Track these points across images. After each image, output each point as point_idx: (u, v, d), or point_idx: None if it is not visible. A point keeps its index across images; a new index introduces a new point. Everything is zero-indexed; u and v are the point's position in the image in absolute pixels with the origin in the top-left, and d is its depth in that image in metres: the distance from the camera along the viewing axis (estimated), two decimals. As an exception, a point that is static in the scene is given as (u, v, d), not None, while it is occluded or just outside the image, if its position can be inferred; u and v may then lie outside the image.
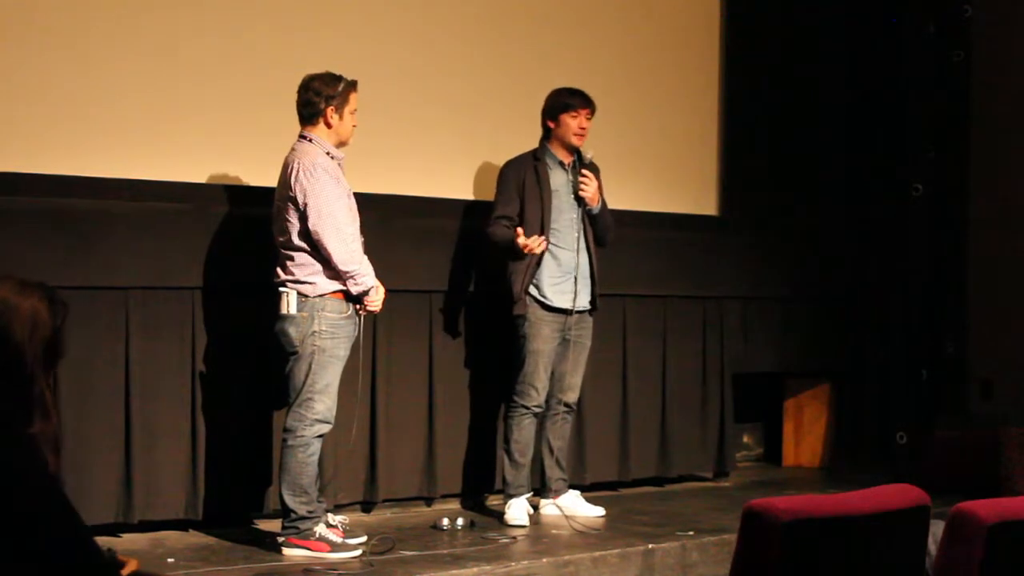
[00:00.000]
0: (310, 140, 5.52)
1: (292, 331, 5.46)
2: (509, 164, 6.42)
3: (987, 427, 7.68)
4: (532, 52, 7.08)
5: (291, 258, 5.48)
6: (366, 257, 5.54)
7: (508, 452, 6.37)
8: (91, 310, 5.62)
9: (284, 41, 6.16)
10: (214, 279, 5.93)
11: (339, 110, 5.53)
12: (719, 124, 8.08)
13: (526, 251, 6.17)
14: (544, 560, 5.55)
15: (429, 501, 6.68)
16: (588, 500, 6.60)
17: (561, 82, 6.47)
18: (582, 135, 6.33)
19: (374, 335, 6.26)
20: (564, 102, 6.34)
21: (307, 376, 5.45)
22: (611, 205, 6.52)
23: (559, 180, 6.37)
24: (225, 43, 6.03)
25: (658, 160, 7.69)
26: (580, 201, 6.33)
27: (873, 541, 3.32)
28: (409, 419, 6.56)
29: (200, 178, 5.98)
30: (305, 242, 5.45)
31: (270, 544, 5.61)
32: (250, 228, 5.85)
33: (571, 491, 6.57)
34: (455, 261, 6.71)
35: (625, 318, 7.39)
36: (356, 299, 5.53)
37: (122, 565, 2.40)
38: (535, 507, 6.48)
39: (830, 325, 8.51)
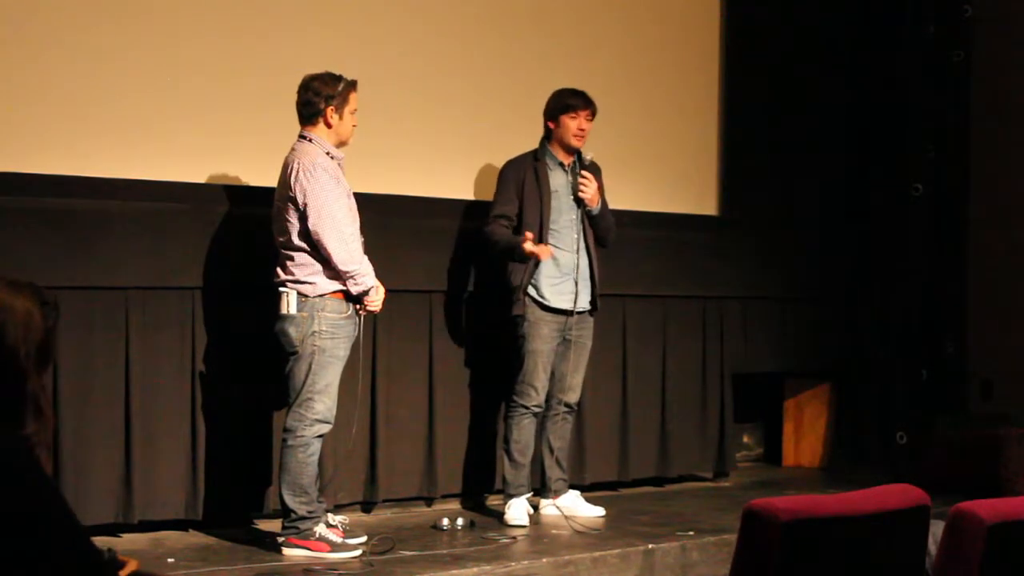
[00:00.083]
0: (310, 140, 5.52)
1: (292, 331, 5.46)
2: (509, 164, 6.42)
3: (987, 427, 7.68)
4: (532, 52, 7.08)
5: (291, 258, 5.48)
6: (366, 257, 5.54)
7: (508, 452, 6.37)
8: (91, 310, 5.62)
9: (284, 41, 6.16)
10: (214, 279, 5.93)
11: (339, 110, 5.53)
12: (719, 124, 8.08)
13: (530, 255, 6.16)
14: (544, 560, 5.55)
15: (429, 501, 6.68)
16: (588, 500, 6.60)
17: (561, 82, 6.47)
18: (581, 136, 6.33)
19: (374, 335, 6.26)
20: (564, 103, 6.33)
21: (307, 376, 5.45)
22: (611, 205, 6.52)
23: (559, 181, 6.37)
24: (225, 43, 6.03)
25: (658, 160, 7.69)
26: (579, 202, 6.33)
27: (873, 541, 3.32)
28: (409, 419, 6.57)
29: (200, 178, 5.98)
30: (305, 242, 5.45)
31: (270, 544, 5.61)
32: (250, 228, 5.85)
33: (571, 491, 6.57)
34: (455, 261, 6.71)
35: (625, 318, 7.39)
36: (356, 299, 5.53)
37: (122, 565, 2.40)
38: (535, 507, 6.48)
39: (830, 325, 8.51)
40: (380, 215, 6.19)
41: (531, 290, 6.29)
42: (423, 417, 6.61)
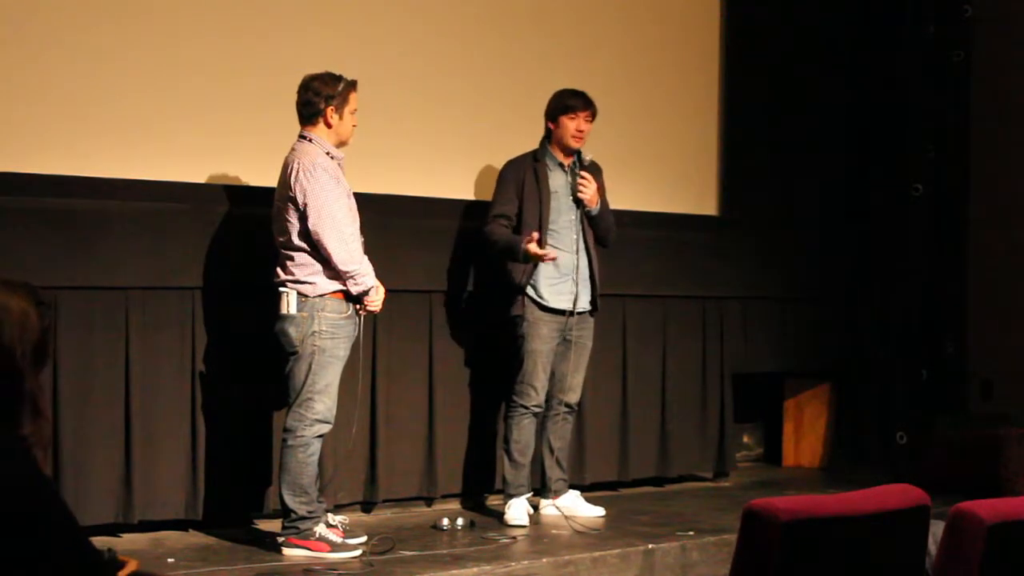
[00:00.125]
0: (310, 140, 5.52)
1: (292, 331, 5.46)
2: (509, 164, 6.42)
3: (987, 427, 7.68)
4: (532, 52, 7.08)
5: (291, 258, 5.48)
6: (366, 257, 5.54)
7: (508, 452, 6.37)
8: (91, 310, 5.62)
9: (284, 41, 6.16)
10: (214, 279, 5.93)
11: (339, 110, 5.53)
12: (719, 124, 8.08)
13: (533, 257, 6.15)
14: (544, 560, 5.55)
15: (429, 501, 6.68)
16: (588, 500, 6.60)
17: (561, 82, 6.47)
18: (579, 137, 6.33)
19: (374, 335, 6.26)
20: (564, 103, 6.33)
21: (307, 376, 5.45)
22: (611, 205, 6.52)
23: (558, 181, 6.36)
24: (225, 43, 6.03)
25: (658, 160, 7.69)
26: (579, 203, 6.33)
27: (873, 541, 3.32)
28: (409, 419, 6.57)
29: (200, 178, 5.98)
30: (305, 242, 5.45)
31: (270, 544, 5.61)
32: (250, 228, 5.85)
33: (571, 491, 6.57)
34: (455, 261, 6.71)
35: (625, 318, 7.39)
36: (356, 299, 5.53)
37: (122, 565, 2.40)
38: (535, 507, 6.48)
39: (830, 325, 8.51)
40: (380, 215, 6.19)
41: (529, 290, 6.30)
42: (423, 417, 6.61)
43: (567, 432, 6.57)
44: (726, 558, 3.76)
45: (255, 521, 6.06)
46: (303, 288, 5.46)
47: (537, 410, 6.37)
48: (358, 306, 5.55)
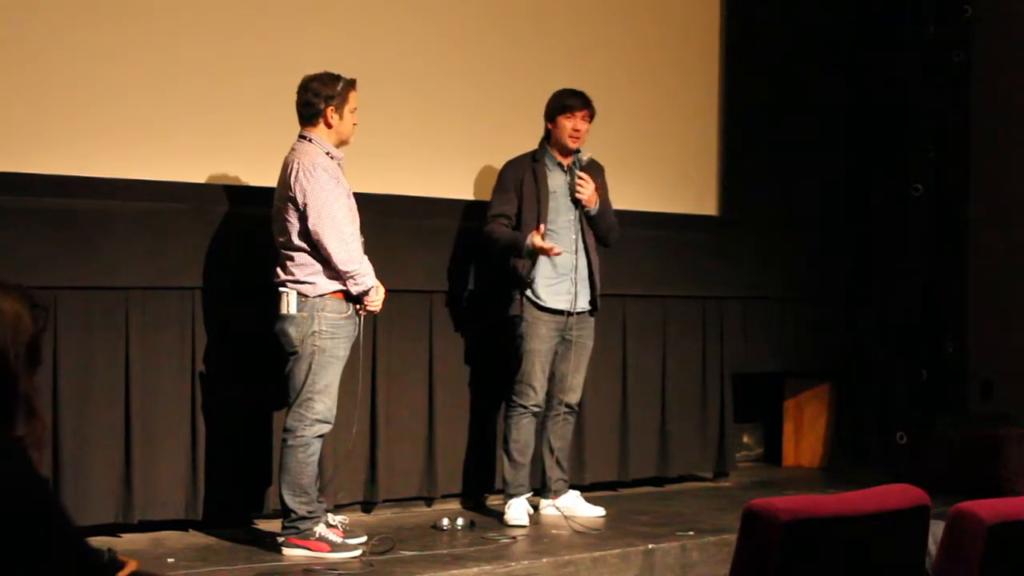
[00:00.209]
0: (310, 140, 5.52)
1: (292, 331, 5.46)
2: (508, 164, 6.43)
3: (987, 427, 7.68)
4: (532, 52, 7.09)
5: (291, 258, 5.48)
6: (366, 257, 5.54)
7: (507, 452, 6.37)
8: (91, 310, 5.62)
9: (284, 41, 6.16)
10: (214, 279, 5.93)
11: (339, 109, 5.53)
12: (719, 124, 8.08)
13: (538, 250, 6.15)
14: (544, 560, 5.55)
15: (429, 501, 6.68)
16: (588, 500, 6.60)
17: (561, 82, 6.47)
18: (576, 137, 6.32)
19: (374, 335, 6.26)
20: (561, 103, 6.34)
21: (307, 376, 5.45)
22: (612, 205, 6.52)
23: (557, 181, 6.36)
24: (225, 43, 6.03)
25: (658, 160, 7.69)
26: (577, 203, 6.33)
27: (873, 541, 3.32)
28: (409, 419, 6.57)
29: (200, 178, 5.98)
30: (305, 242, 5.45)
31: (270, 544, 5.61)
32: (250, 228, 5.85)
33: (571, 491, 6.57)
34: (455, 261, 6.71)
35: (625, 318, 7.39)
36: (356, 299, 5.53)
37: (122, 566, 2.39)
38: (535, 507, 6.48)
39: (830, 325, 8.51)
40: (380, 215, 6.19)
41: (527, 290, 6.30)
42: (423, 417, 6.61)
43: (567, 432, 6.57)
44: (726, 558, 3.76)
45: (255, 521, 6.06)
46: (303, 288, 5.46)
47: (536, 410, 6.37)
48: (358, 306, 5.55)
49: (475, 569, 5.33)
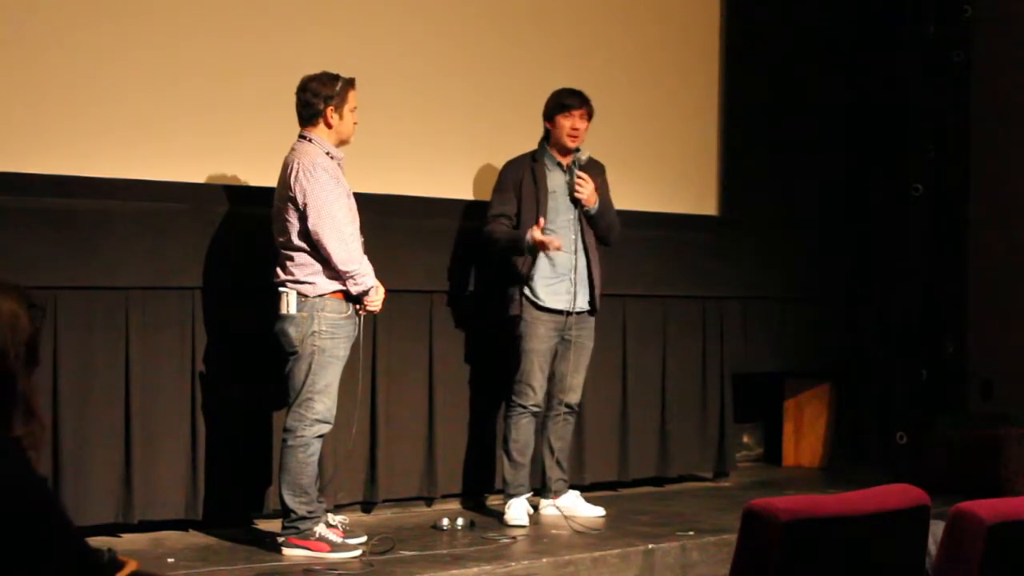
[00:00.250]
0: (310, 140, 5.53)
1: (292, 331, 5.46)
2: (508, 164, 6.43)
3: (987, 427, 7.68)
4: (532, 52, 7.08)
5: (291, 258, 5.48)
6: (366, 257, 5.54)
7: (507, 452, 6.37)
8: (91, 310, 5.62)
9: (284, 41, 6.16)
10: (214, 279, 5.93)
11: (338, 109, 5.53)
12: (719, 124, 8.08)
13: (538, 245, 6.14)
14: (544, 560, 5.55)
15: (429, 501, 6.68)
16: (588, 500, 6.60)
17: (561, 82, 6.47)
18: (575, 136, 6.32)
19: (374, 335, 6.26)
20: (559, 102, 6.34)
21: (307, 376, 5.45)
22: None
23: (556, 181, 6.37)
24: (225, 43, 6.03)
25: (658, 160, 7.69)
26: (576, 202, 6.33)
27: (873, 541, 3.32)
28: (409, 419, 6.57)
29: (199, 178, 5.98)
30: (305, 242, 5.45)
31: (270, 544, 5.61)
32: (250, 228, 5.85)
33: (571, 491, 6.57)
34: (455, 261, 6.71)
35: (625, 318, 7.39)
36: (356, 299, 5.53)
37: (121, 566, 2.39)
38: (535, 507, 6.48)
39: (830, 325, 8.51)
40: (380, 215, 6.19)
41: (526, 290, 6.30)
42: (423, 417, 6.61)
43: (567, 432, 6.57)
44: (726, 558, 3.76)
45: (255, 521, 6.06)
46: (303, 288, 5.46)
47: (536, 410, 6.37)
48: (358, 306, 5.55)
49: (475, 569, 5.33)
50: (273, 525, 5.80)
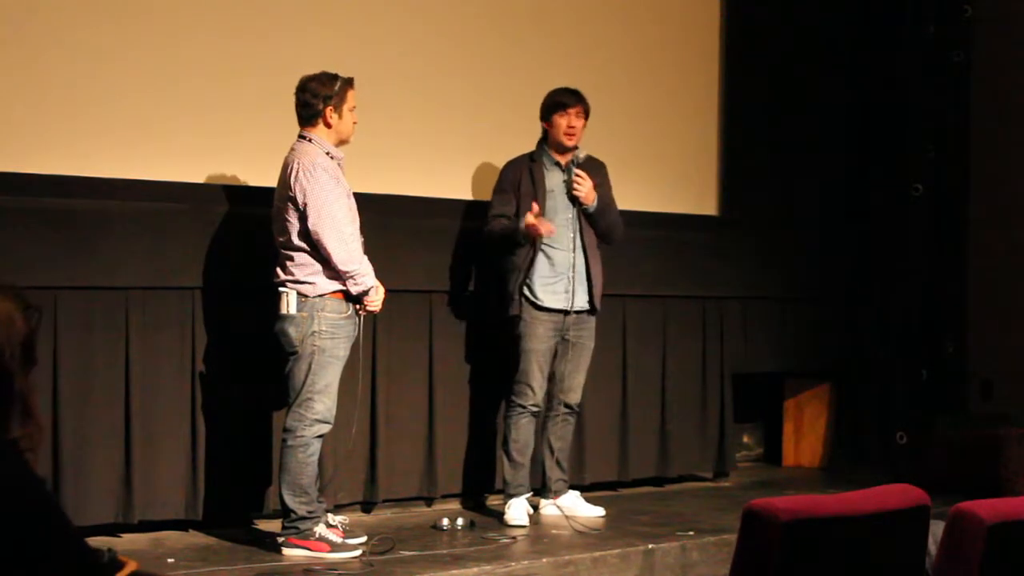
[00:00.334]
0: (309, 140, 5.52)
1: (292, 331, 5.46)
2: (507, 165, 6.44)
3: (987, 427, 7.68)
4: (532, 52, 7.08)
5: (291, 258, 5.48)
6: (366, 257, 5.54)
7: (507, 452, 6.37)
8: (91, 310, 5.62)
9: (284, 41, 6.16)
10: (214, 279, 5.93)
11: (338, 109, 5.53)
12: (719, 124, 8.08)
13: (529, 228, 6.13)
14: (544, 560, 5.55)
15: (429, 501, 6.68)
16: (588, 500, 6.60)
17: (561, 82, 6.47)
18: (571, 134, 6.33)
19: (374, 335, 6.26)
20: (555, 101, 6.35)
21: (307, 376, 5.45)
22: (611, 205, 6.52)
23: (555, 180, 6.37)
24: (225, 43, 6.03)
25: (658, 160, 7.69)
26: (575, 200, 6.33)
27: (873, 541, 3.32)
28: (409, 419, 6.57)
29: (199, 178, 5.98)
30: (305, 242, 5.45)
31: (270, 544, 5.61)
32: (250, 228, 5.85)
33: (571, 491, 6.57)
34: (455, 261, 6.71)
35: (625, 318, 7.39)
36: (356, 299, 5.53)
37: (121, 566, 2.39)
38: (535, 507, 6.48)
39: (830, 325, 8.51)
40: (380, 215, 6.19)
41: (525, 290, 6.30)
42: (423, 417, 6.61)
43: (568, 433, 6.57)
44: (726, 558, 3.76)
45: (255, 521, 6.06)
46: (303, 288, 5.46)
47: (535, 409, 6.37)
48: (358, 306, 5.55)
49: (475, 569, 5.33)
50: (273, 525, 5.80)
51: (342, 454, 6.06)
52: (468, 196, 6.85)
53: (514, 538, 5.97)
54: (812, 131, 8.46)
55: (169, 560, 5.32)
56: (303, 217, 5.41)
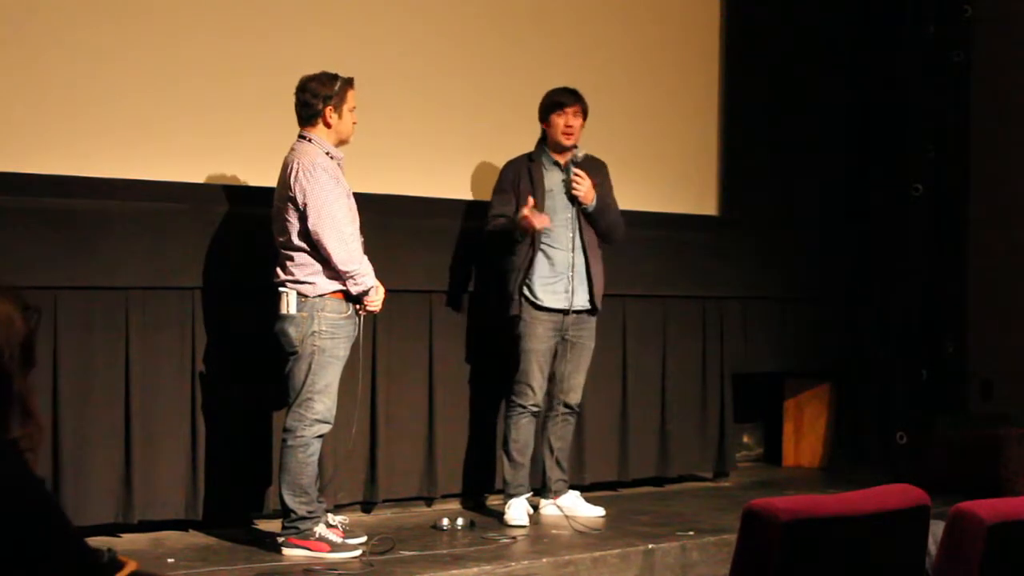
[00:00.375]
0: (309, 140, 5.53)
1: (292, 331, 5.46)
2: (506, 165, 6.44)
3: (987, 427, 7.68)
4: (532, 52, 7.08)
5: (291, 258, 5.48)
6: (366, 257, 5.54)
7: (507, 452, 6.37)
8: (91, 310, 5.62)
9: (284, 41, 6.16)
10: (214, 279, 5.93)
11: (337, 109, 5.53)
12: (719, 124, 8.08)
13: (523, 221, 6.13)
14: (544, 560, 5.55)
15: (429, 501, 6.68)
16: (588, 500, 6.60)
17: (561, 82, 6.47)
18: (569, 133, 6.33)
19: (374, 335, 6.26)
20: (552, 101, 6.35)
21: (307, 376, 5.45)
22: (611, 205, 6.52)
23: (554, 180, 6.37)
24: (225, 43, 6.03)
25: (658, 160, 7.69)
26: (574, 200, 6.33)
27: (873, 541, 3.32)
28: (409, 419, 6.57)
29: (199, 178, 5.98)
30: (305, 242, 5.45)
31: (270, 544, 5.61)
32: (250, 228, 5.85)
33: (571, 491, 6.57)
34: (455, 261, 6.71)
35: (625, 318, 7.39)
36: (356, 299, 5.53)
37: (121, 566, 2.39)
38: (535, 507, 6.48)
39: (830, 325, 8.51)
40: (380, 215, 6.19)
41: (524, 290, 6.30)
42: (423, 417, 6.61)
43: (568, 433, 6.57)
44: (726, 558, 3.76)
45: (255, 521, 6.06)
46: (303, 288, 5.46)
47: (535, 409, 6.37)
48: (358, 306, 5.55)
49: (475, 569, 5.33)
50: (273, 525, 5.80)
51: (342, 454, 6.06)
52: (468, 196, 6.85)
53: (514, 538, 5.97)
54: (812, 131, 8.46)
55: (169, 560, 5.32)
56: (303, 217, 5.41)
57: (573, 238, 6.35)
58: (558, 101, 6.32)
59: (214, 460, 5.93)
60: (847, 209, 8.65)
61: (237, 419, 6.01)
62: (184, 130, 5.90)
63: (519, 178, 6.33)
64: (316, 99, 5.51)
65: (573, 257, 6.33)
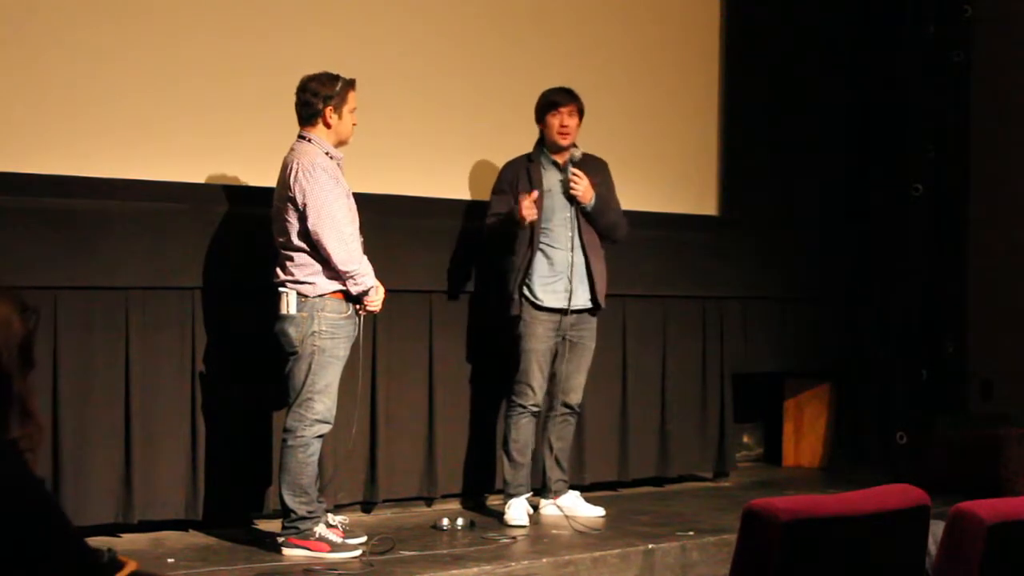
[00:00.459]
0: (309, 140, 5.52)
1: (292, 331, 5.46)
2: (505, 166, 6.45)
3: (987, 427, 7.68)
4: (532, 52, 7.08)
5: (291, 258, 5.48)
6: (365, 257, 5.54)
7: (507, 452, 6.37)
8: (91, 310, 5.62)
9: (284, 41, 6.16)
10: (214, 279, 5.93)
11: (338, 109, 5.53)
12: (719, 124, 8.08)
13: (527, 216, 6.12)
14: (544, 560, 5.55)
15: (429, 501, 6.68)
16: (588, 500, 6.60)
17: (560, 82, 6.47)
18: (565, 133, 6.32)
19: (374, 335, 6.26)
20: (547, 100, 6.36)
21: (307, 376, 5.45)
22: (611, 205, 6.52)
23: (552, 180, 6.37)
24: (225, 43, 6.03)
25: (658, 160, 7.69)
26: (572, 199, 6.33)
27: (873, 541, 3.32)
28: (409, 419, 6.57)
29: (199, 178, 5.98)
30: (305, 242, 5.45)
31: (270, 544, 5.61)
32: (250, 228, 5.85)
33: (571, 491, 6.57)
34: (455, 261, 6.71)
35: (625, 318, 7.39)
36: (356, 299, 5.53)
37: (121, 566, 2.39)
38: (535, 507, 6.48)
39: (830, 325, 8.51)
40: (380, 215, 6.19)
41: (524, 290, 6.30)
42: (423, 417, 6.61)
43: (568, 433, 6.57)
44: (726, 558, 3.76)
45: (255, 521, 6.06)
46: (303, 288, 5.46)
47: (535, 409, 6.37)
48: (358, 306, 5.55)
49: (475, 569, 5.33)
50: (273, 525, 5.80)
51: (342, 454, 6.06)
52: (468, 196, 6.85)
53: (514, 538, 5.97)
54: (812, 131, 8.46)
55: (169, 560, 5.32)
56: (303, 217, 5.41)
57: (572, 238, 6.35)
58: (553, 101, 6.33)
59: (214, 460, 5.93)
60: (847, 209, 8.65)
61: (237, 419, 6.01)
62: (184, 130, 5.90)
63: (518, 179, 6.33)
64: (316, 99, 5.51)
65: (572, 256, 6.33)
